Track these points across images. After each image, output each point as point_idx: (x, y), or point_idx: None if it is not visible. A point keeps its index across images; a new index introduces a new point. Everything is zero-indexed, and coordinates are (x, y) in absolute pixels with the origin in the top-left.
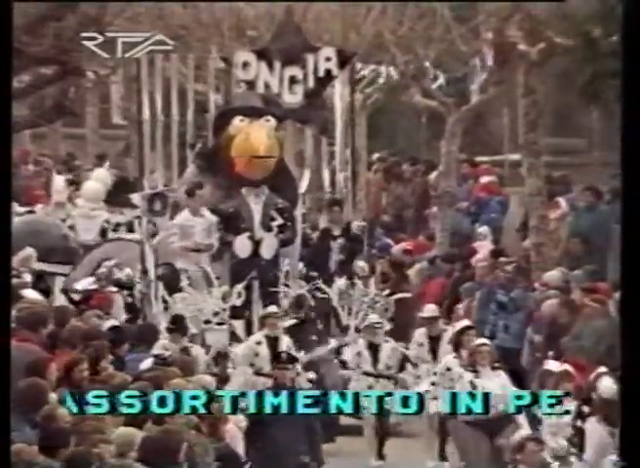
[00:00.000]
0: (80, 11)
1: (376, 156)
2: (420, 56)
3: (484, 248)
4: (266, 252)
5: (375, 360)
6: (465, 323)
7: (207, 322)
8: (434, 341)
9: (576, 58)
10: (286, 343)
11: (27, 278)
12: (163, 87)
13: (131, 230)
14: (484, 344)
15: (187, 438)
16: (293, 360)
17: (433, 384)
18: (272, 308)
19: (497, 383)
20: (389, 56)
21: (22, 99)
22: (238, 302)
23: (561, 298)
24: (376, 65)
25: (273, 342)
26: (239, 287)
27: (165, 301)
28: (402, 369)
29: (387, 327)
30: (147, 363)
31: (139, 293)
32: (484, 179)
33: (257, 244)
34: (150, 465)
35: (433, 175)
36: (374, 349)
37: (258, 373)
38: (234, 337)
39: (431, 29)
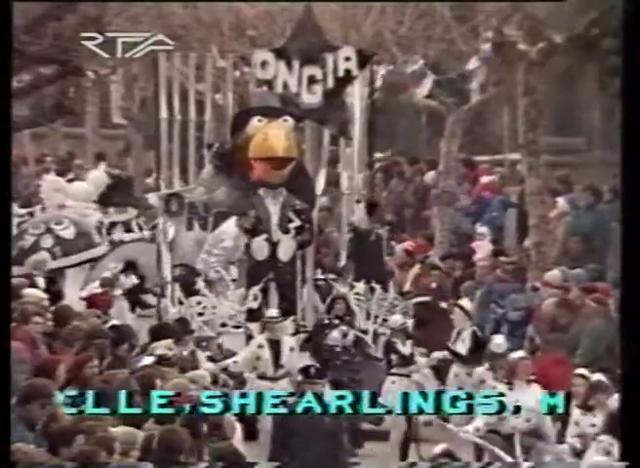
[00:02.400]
0: (80, 11)
1: (376, 156)
2: (420, 55)
3: (483, 247)
4: (284, 254)
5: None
6: (499, 338)
7: (223, 325)
8: (457, 337)
9: (576, 57)
10: (288, 346)
11: (40, 282)
12: (180, 88)
13: (128, 230)
14: (524, 358)
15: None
16: (322, 374)
17: None
18: (272, 312)
19: (531, 397)
20: (389, 55)
21: (22, 99)
22: (255, 305)
23: (561, 298)
24: (376, 65)
25: (275, 345)
26: (255, 289)
27: (181, 303)
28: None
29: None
30: (146, 361)
31: (154, 295)
32: (485, 179)
33: (274, 246)
34: (154, 464)
35: (433, 175)
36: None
37: (261, 378)
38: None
39: (431, 29)
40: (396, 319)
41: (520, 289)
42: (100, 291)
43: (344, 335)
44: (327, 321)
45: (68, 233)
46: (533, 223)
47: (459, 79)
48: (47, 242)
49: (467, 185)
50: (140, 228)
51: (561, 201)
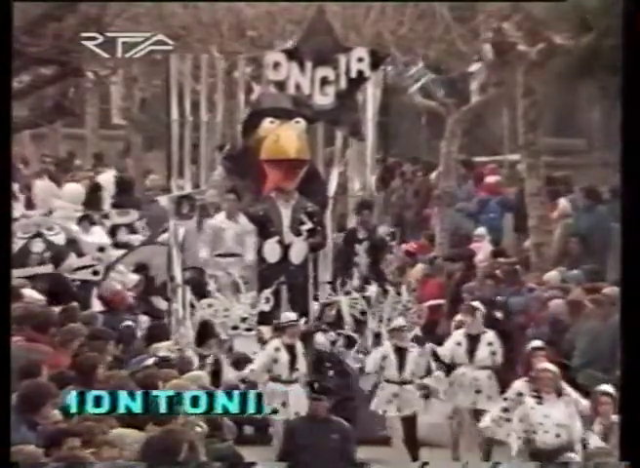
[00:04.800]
0: (80, 11)
1: (376, 156)
2: (421, 56)
3: (481, 249)
4: (296, 256)
5: (401, 365)
6: (537, 343)
7: (235, 328)
8: (473, 341)
9: (576, 58)
10: (301, 349)
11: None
12: (190, 89)
13: (132, 232)
14: (545, 370)
15: (188, 438)
16: (326, 390)
17: (506, 410)
18: (291, 316)
19: (563, 412)
20: (390, 56)
21: (22, 100)
22: (266, 308)
23: (562, 299)
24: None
25: (291, 349)
26: (267, 292)
27: (192, 306)
28: (428, 373)
29: (415, 331)
30: (148, 362)
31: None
32: (490, 179)
33: (286, 248)
34: (152, 465)
35: (433, 176)
36: (400, 354)
37: (275, 380)
38: (262, 343)
39: (431, 30)
40: (398, 322)
41: (519, 291)
42: (131, 292)
43: (333, 343)
44: (316, 327)
45: (58, 239)
46: (532, 224)
47: (459, 80)
48: (37, 246)
49: (468, 186)
50: (144, 230)
51: (563, 202)
